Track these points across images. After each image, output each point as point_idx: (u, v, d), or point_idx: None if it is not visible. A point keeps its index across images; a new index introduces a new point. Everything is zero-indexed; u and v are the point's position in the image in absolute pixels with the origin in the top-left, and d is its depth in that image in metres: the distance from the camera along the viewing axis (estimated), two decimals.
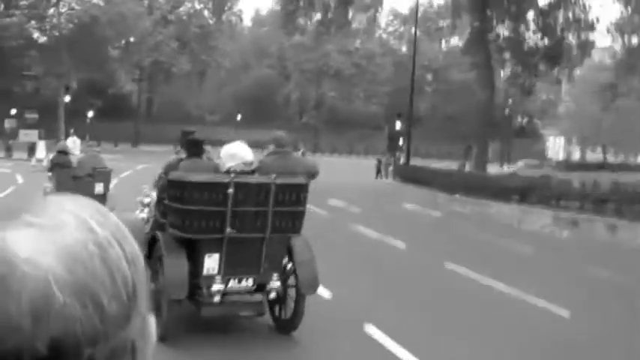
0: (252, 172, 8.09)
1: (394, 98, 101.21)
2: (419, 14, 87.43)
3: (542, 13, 36.54)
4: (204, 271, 7.62)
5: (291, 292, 8.15)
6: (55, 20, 62.21)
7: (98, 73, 64.85)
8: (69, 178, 14.48)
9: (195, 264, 7.60)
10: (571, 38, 36.98)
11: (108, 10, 60.32)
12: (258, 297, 8.04)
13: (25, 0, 63.45)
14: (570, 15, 36.59)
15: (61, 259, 0.72)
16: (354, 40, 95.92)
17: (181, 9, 78.12)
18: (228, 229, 7.49)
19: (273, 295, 7.98)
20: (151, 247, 7.99)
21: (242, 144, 8.36)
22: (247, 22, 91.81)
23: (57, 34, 63.40)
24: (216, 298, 7.59)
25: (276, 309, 8.42)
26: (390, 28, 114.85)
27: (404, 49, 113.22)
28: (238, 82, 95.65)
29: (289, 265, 8.22)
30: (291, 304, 8.14)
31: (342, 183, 39.63)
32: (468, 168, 45.98)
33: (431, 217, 24.36)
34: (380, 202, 29.18)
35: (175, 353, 7.30)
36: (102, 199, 13.63)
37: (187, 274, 7.49)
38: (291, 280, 8.16)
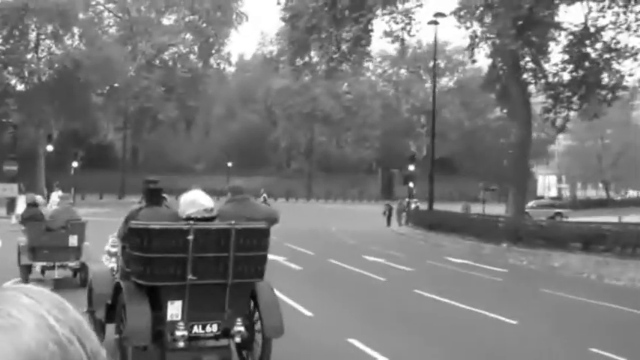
0: (213, 218, 8.02)
1: (384, 142, 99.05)
2: (407, 55, 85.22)
3: (574, 43, 33.13)
4: (168, 317, 7.60)
5: (258, 336, 8.13)
6: (33, 66, 58.30)
7: (81, 121, 60.90)
8: (42, 231, 14.45)
9: (159, 311, 7.58)
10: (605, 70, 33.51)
11: (91, 54, 56.54)
12: (224, 342, 8.05)
13: (1, 45, 59.48)
14: (602, 45, 33.19)
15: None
16: (342, 82, 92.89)
17: (166, 53, 74.50)
18: (190, 276, 7.47)
19: (238, 339, 7.92)
20: (115, 296, 8.18)
21: (201, 191, 8.28)
22: (230, 67, 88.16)
23: (36, 80, 59.60)
24: (181, 344, 7.55)
25: (244, 353, 8.47)
26: (379, 70, 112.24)
27: (391, 91, 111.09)
28: (224, 128, 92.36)
29: (254, 310, 8.23)
30: (257, 349, 8.13)
31: (359, 233, 36.88)
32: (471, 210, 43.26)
33: (497, 275, 20.31)
34: (419, 257, 25.17)
35: None
36: (76, 251, 14.42)
37: (150, 321, 7.49)
38: (258, 325, 8.14)
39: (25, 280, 13.73)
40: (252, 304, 8.24)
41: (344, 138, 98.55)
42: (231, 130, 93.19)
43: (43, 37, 60.94)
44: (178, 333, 7.52)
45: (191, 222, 7.61)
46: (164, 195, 8.82)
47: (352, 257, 23.23)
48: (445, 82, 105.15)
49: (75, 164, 45.82)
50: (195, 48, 77.27)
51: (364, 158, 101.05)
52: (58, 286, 13.40)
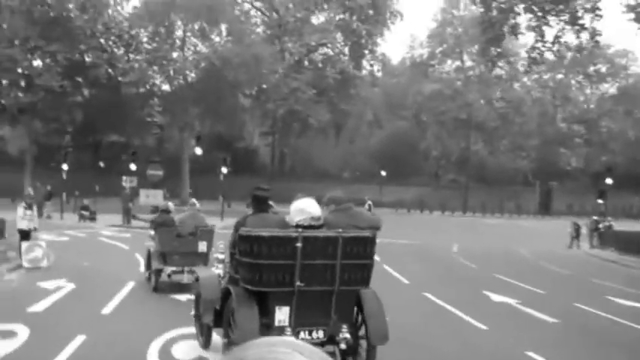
0: (320, 226, 8.04)
1: (540, 152, 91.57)
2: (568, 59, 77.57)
3: None
4: (276, 323, 7.78)
5: (363, 343, 8.23)
6: (179, 65, 54.59)
7: (227, 124, 56.82)
8: (173, 237, 14.97)
9: (267, 316, 7.79)
10: None
11: (240, 51, 52.17)
12: (329, 348, 8.06)
13: (147, 44, 56.19)
14: None
15: None
16: (495, 88, 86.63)
17: (316, 54, 69.52)
18: (298, 283, 7.63)
19: (343, 346, 8.00)
20: (223, 302, 8.56)
21: (310, 200, 8.32)
22: (383, 69, 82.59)
23: (181, 80, 55.96)
24: None
25: None
26: (535, 75, 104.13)
27: (547, 97, 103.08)
28: (373, 135, 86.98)
29: (359, 317, 8.31)
30: (363, 355, 8.25)
31: (549, 254, 31.39)
32: None
33: None
34: None
35: None
36: (204, 257, 14.96)
37: (258, 326, 7.67)
38: (362, 332, 8.24)
39: (155, 283, 14.96)
40: (357, 311, 8.32)
41: (498, 147, 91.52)
42: (378, 137, 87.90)
43: (189, 34, 57.38)
44: None
45: (299, 229, 7.72)
46: (270, 202, 8.92)
47: (593, 298, 17.07)
48: (606, 88, 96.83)
49: (224, 170, 41.11)
50: (346, 49, 71.98)
51: (520, 169, 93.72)
52: (183, 290, 14.34)
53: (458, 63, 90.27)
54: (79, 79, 55.04)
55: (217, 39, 57.09)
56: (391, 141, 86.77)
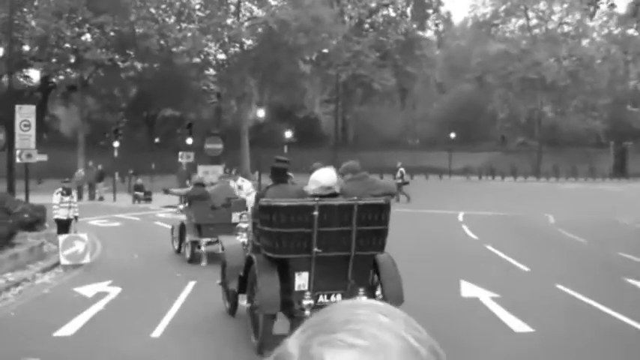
0: (334, 195, 8.41)
1: (613, 111, 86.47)
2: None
3: None
4: (296, 288, 8.17)
5: None
6: (234, 31, 51.15)
7: (287, 92, 53.38)
8: (208, 209, 15.56)
9: (287, 282, 8.18)
10: None
11: (299, 15, 48.49)
12: None
13: (200, 11, 52.89)
14: None
15: None
16: (563, 46, 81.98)
17: (378, 14, 65.41)
18: (315, 249, 8.00)
19: None
20: (247, 269, 8.99)
21: (326, 169, 8.76)
22: (449, 29, 78.28)
23: (237, 48, 52.67)
24: (307, 312, 7.84)
25: None
26: (605, 30, 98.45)
27: (618, 54, 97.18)
28: (432, 100, 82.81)
29: (376, 280, 8.72)
30: None
31: None
32: None
33: None
34: None
35: None
36: (235, 227, 13.61)
37: (279, 291, 8.12)
38: (379, 294, 8.57)
39: (191, 255, 15.50)
40: (374, 275, 8.72)
41: (568, 107, 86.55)
42: (442, 101, 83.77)
43: None
44: (305, 302, 7.98)
45: (316, 199, 8.12)
46: (289, 173, 9.71)
47: None
48: None
49: (288, 134, 37.84)
50: (408, 10, 67.64)
51: (592, 130, 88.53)
52: (212, 259, 14.58)
53: (522, 21, 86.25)
54: (130, 53, 52.14)
55: (274, 2, 53.38)
56: (455, 105, 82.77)
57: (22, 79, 61.72)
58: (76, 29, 48.88)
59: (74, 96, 55.79)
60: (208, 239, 15.22)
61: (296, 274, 8.08)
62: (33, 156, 22.06)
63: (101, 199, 37.25)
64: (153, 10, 51.36)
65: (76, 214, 17.12)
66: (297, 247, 7.94)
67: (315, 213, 7.82)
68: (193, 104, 57.97)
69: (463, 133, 76.27)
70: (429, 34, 69.61)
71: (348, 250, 8.10)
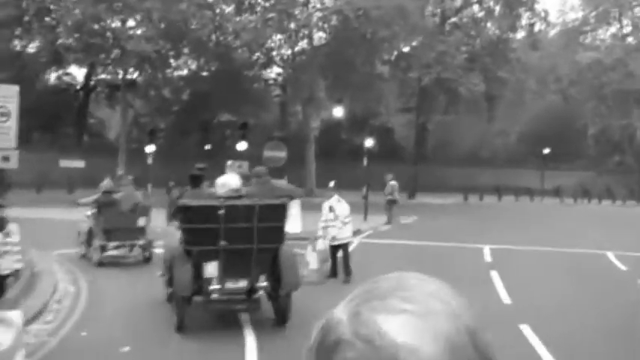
0: (241, 197, 10.34)
1: None
2: None
3: None
4: (206, 275, 9.86)
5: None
6: (302, 23, 43.61)
7: (362, 96, 45.66)
8: (117, 214, 16.35)
9: (199, 270, 9.86)
10: None
11: (380, 3, 40.62)
12: (255, 296, 10.23)
13: (263, 1, 45.52)
14: None
15: (438, 348, 0.76)
16: None
17: (464, 12, 57.24)
18: (222, 242, 9.68)
19: (261, 292, 10.24)
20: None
21: (232, 175, 11.32)
22: (547, 28, 70.42)
23: (306, 44, 45.41)
24: (215, 296, 9.86)
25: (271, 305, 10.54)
26: None
27: None
28: (523, 110, 74.45)
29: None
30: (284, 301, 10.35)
31: None
32: None
33: None
34: None
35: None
36: (143, 231, 16.68)
37: (191, 276, 9.77)
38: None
39: (100, 258, 16.08)
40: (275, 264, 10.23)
41: None
42: (526, 113, 75.43)
43: None
44: (211, 287, 9.78)
45: (221, 200, 9.95)
46: (204, 180, 11.59)
47: None
48: None
49: (368, 144, 30.86)
50: (497, 8, 59.37)
51: None
52: (126, 261, 16.55)
53: (613, 29, 78.63)
54: (181, 46, 45.22)
55: None
56: (541, 118, 74.55)
57: (65, 77, 55.77)
58: (121, 16, 42.19)
59: (119, 96, 49.17)
60: (116, 243, 16.30)
61: (206, 264, 9.83)
62: (11, 159, 15.02)
63: None
64: None
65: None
66: (206, 240, 9.72)
67: (222, 212, 9.63)
68: (254, 109, 50.89)
69: (554, 150, 68.69)
70: (521, 34, 61.42)
71: (251, 243, 9.80)
